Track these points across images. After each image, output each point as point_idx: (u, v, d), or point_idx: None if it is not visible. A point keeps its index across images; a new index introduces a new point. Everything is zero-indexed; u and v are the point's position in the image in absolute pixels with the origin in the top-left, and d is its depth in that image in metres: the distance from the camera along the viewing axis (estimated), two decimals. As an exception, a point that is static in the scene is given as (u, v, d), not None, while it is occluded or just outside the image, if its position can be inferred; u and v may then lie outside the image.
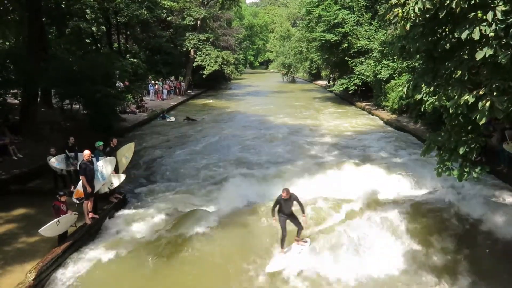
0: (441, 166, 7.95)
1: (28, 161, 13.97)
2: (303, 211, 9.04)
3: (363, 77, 29.56)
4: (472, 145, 7.27)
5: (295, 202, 8.87)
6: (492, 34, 5.73)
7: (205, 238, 9.62)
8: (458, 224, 10.01)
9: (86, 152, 9.92)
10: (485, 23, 5.78)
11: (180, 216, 10.92)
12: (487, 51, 5.85)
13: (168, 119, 26.43)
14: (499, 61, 5.87)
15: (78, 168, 10.25)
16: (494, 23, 5.71)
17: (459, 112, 6.61)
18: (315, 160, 16.21)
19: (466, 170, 7.68)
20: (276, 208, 8.94)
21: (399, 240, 9.52)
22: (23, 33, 19.46)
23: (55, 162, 11.96)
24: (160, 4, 32.02)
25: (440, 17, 6.42)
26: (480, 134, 7.55)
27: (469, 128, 7.45)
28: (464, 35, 5.98)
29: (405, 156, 16.26)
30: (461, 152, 7.31)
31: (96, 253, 8.87)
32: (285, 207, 8.87)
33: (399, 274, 8.53)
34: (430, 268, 8.66)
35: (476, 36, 5.85)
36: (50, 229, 8.45)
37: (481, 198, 11.03)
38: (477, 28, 5.82)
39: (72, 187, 10.60)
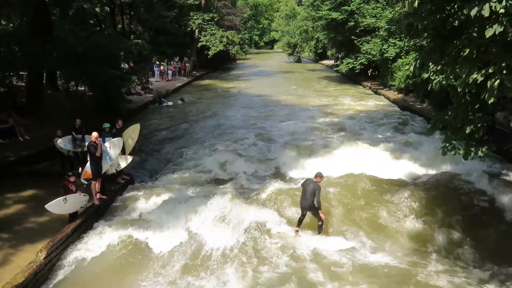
0: (447, 144, 7.92)
1: (35, 143, 14.09)
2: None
3: (369, 56, 29.21)
4: (479, 124, 7.21)
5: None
6: (502, 10, 5.60)
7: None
8: (464, 203, 10.02)
9: (94, 134, 9.95)
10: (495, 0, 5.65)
11: (187, 195, 11.01)
12: (497, 29, 5.73)
13: (166, 104, 25.43)
14: (509, 39, 5.76)
15: (86, 150, 10.34)
16: (504, 0, 5.58)
17: (467, 91, 6.54)
18: (320, 139, 16.19)
19: (472, 149, 7.64)
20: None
21: (406, 219, 9.54)
22: (27, 15, 19.30)
23: (62, 143, 12.04)
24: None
25: (449, -7, 6.29)
26: (487, 113, 7.47)
27: (477, 107, 7.37)
28: (473, 12, 5.85)
29: (410, 135, 16.15)
30: (467, 131, 7.26)
31: (104, 233, 9.00)
32: None
33: (405, 253, 8.61)
34: (436, 247, 8.73)
35: (486, 13, 5.71)
36: (57, 206, 8.49)
37: (488, 177, 10.97)
38: (487, 4, 5.68)
39: (80, 169, 10.69)
